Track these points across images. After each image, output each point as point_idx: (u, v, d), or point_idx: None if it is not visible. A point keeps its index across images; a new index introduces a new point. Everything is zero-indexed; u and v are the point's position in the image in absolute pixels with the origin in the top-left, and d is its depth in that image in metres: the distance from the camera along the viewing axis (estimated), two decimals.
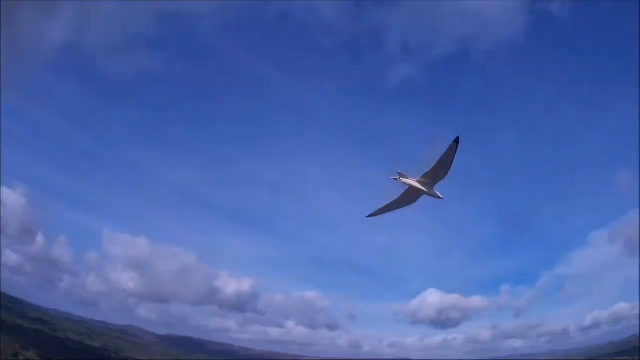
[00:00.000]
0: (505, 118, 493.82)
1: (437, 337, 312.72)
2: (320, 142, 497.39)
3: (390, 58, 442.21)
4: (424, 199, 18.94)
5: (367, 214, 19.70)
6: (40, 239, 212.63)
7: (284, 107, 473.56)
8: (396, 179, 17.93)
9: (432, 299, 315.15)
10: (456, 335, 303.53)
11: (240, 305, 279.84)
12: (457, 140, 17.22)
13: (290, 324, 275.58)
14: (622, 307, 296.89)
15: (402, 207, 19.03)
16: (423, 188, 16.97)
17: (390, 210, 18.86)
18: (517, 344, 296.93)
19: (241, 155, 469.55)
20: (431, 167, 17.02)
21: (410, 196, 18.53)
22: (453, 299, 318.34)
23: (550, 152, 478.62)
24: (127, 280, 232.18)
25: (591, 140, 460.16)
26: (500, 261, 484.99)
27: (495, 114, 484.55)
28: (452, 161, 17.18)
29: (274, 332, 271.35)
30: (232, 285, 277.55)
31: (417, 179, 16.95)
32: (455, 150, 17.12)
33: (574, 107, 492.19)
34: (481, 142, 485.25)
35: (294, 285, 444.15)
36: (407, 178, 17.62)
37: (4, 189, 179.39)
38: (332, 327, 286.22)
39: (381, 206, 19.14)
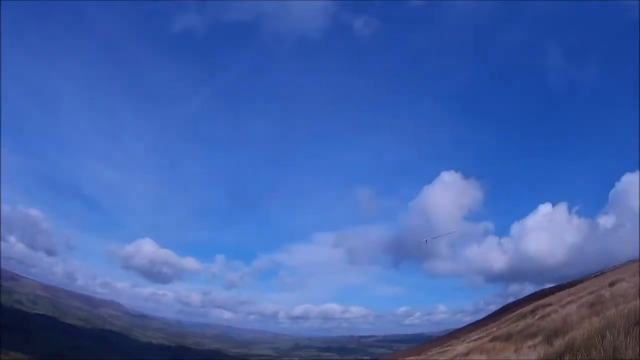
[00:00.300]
0: (269, 101, 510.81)
1: (148, 288, 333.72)
2: (85, 58, 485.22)
3: (181, 5, 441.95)
4: None
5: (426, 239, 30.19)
6: None
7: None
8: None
9: (147, 248, 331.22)
10: (166, 292, 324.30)
11: None
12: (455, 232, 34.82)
13: (12, 238, 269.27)
14: (334, 307, 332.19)
15: None
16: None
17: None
18: (226, 315, 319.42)
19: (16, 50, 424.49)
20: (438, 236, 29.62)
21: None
22: (167, 254, 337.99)
23: (304, 151, 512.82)
24: None
25: (347, 155, 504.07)
26: (220, 231, 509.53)
27: (258, 92, 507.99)
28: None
29: None
30: None
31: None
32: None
33: (341, 119, 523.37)
34: (237, 114, 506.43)
35: (19, 200, 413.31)
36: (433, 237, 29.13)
37: None
38: (50, 251, 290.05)
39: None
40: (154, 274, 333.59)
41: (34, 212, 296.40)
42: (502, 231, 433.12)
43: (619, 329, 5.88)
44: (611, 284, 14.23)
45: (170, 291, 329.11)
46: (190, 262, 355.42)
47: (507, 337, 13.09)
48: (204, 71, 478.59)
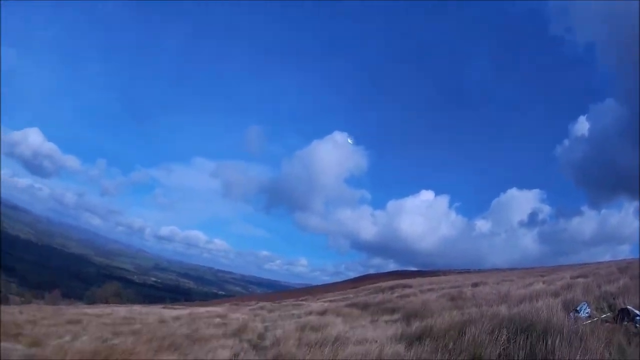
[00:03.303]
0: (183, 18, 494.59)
1: (25, 179, 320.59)
2: None
3: None
4: None
5: None
6: None
7: None
8: None
9: (34, 139, 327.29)
10: (43, 187, 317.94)
11: None
12: None
13: None
14: (199, 235, 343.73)
15: None
16: None
17: None
18: (95, 221, 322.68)
19: None
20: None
21: None
22: (51, 148, 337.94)
23: (205, 74, 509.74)
24: None
25: (245, 88, 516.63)
26: (107, 134, 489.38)
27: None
28: None
29: None
30: None
31: None
32: None
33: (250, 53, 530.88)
34: (151, 25, 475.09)
35: None
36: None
37: None
38: None
39: None
40: (35, 166, 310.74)
41: None
42: (378, 204, 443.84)
43: (482, 327, 6.05)
44: (474, 285, 15.49)
45: (47, 187, 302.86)
46: (71, 161, 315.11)
47: (364, 307, 13.50)
48: None
